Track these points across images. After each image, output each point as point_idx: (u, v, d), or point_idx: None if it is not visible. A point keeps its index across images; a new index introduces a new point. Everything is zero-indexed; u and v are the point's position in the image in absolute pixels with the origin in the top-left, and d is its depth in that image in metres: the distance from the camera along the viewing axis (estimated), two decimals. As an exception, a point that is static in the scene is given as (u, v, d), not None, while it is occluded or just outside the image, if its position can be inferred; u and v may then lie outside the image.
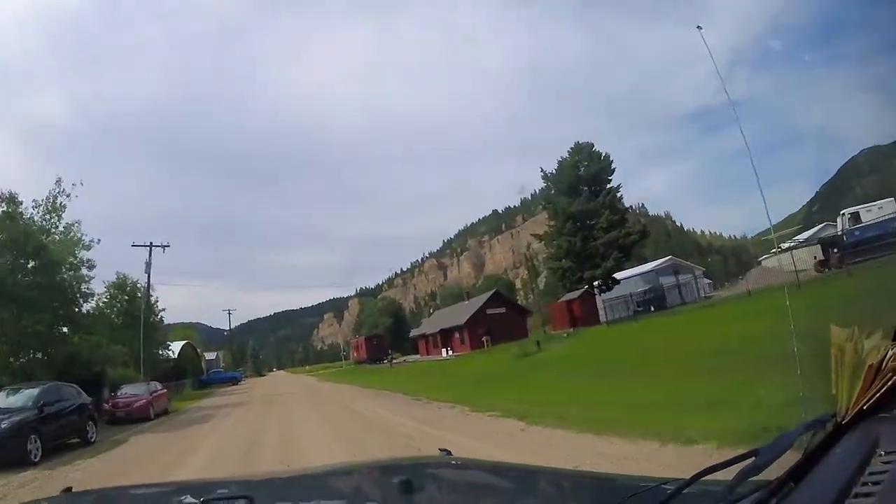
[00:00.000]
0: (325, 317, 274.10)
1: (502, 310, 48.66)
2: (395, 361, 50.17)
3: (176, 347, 50.89)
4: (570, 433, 8.33)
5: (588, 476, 2.09)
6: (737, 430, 5.83)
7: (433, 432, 10.11)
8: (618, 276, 42.45)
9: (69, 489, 2.03)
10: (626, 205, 46.66)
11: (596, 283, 42.35)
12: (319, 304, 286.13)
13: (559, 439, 8.12)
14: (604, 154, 43.41)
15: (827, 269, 26.80)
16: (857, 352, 1.06)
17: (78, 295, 22.39)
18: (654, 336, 20.84)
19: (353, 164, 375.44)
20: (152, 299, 42.86)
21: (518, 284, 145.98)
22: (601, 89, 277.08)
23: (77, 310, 22.52)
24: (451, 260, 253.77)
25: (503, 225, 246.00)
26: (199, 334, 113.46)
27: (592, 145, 43.96)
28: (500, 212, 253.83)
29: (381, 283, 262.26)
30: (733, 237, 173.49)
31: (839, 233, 28.93)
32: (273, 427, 13.70)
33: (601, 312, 39.35)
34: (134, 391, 20.86)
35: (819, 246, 37.89)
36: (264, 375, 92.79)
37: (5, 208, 19.82)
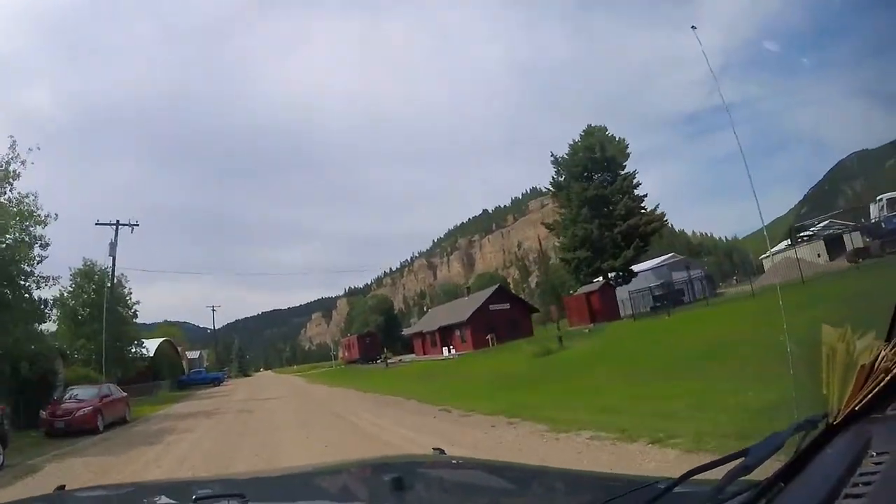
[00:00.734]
0: (314, 316, 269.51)
1: (506, 306, 44.77)
2: (389, 361, 45.98)
3: (152, 345, 46.39)
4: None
5: (578, 475, 2.00)
6: None
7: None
8: (634, 268, 38.97)
9: (62, 487, 2.02)
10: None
11: (611, 275, 38.85)
12: (308, 303, 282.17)
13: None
14: (619, 138, 39.82)
15: (860, 260, 24.99)
16: (849, 352, 1.04)
17: (18, 274, 18.14)
18: (695, 330, 17.43)
19: (344, 163, 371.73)
20: (125, 291, 38.53)
21: (510, 284, 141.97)
22: (594, 91, 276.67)
23: (18, 293, 18.32)
24: (441, 259, 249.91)
25: (494, 224, 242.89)
26: (185, 333, 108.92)
27: (606, 129, 40.42)
28: (490, 212, 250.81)
29: (370, 282, 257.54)
30: (724, 238, 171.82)
31: (876, 219, 27.73)
32: (243, 461, 9.03)
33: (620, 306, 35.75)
34: (83, 395, 16.67)
35: (823, 242, 36.10)
36: (250, 376, 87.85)
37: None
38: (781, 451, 0.98)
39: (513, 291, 59.69)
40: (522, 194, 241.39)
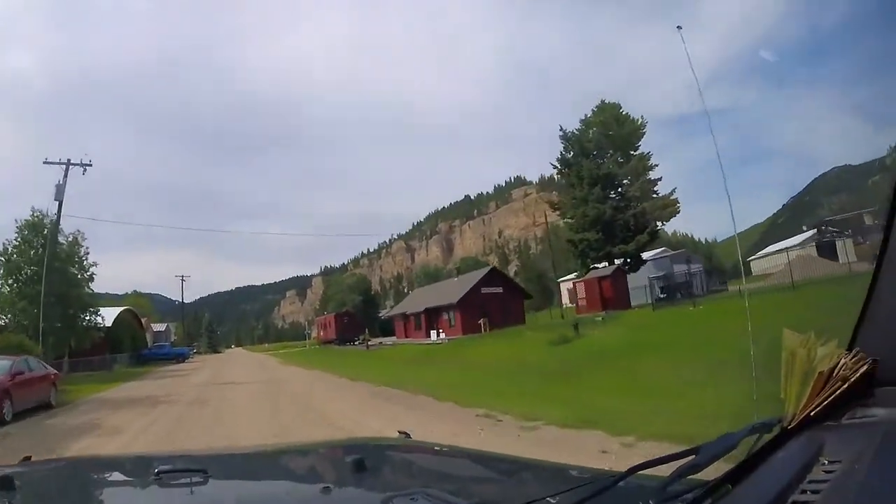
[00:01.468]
0: (288, 294, 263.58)
1: (499, 290, 41.14)
2: (370, 344, 42.15)
3: (110, 315, 41.75)
4: None
5: (534, 464, 1.87)
6: None
7: None
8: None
9: (28, 458, 2.03)
10: None
11: (617, 261, 35.67)
12: (282, 280, 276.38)
13: None
14: (635, 117, 36.41)
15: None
16: (809, 358, 1.03)
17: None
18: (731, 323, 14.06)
19: (328, 143, 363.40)
20: (80, 250, 33.77)
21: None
22: (582, 88, 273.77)
23: None
24: (420, 243, 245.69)
25: (475, 211, 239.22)
26: (156, 305, 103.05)
27: (619, 106, 36.94)
28: (472, 198, 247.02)
29: (346, 262, 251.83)
30: (704, 240, 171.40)
31: None
32: None
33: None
34: (-10, 372, 12.56)
35: (815, 248, 34.58)
36: (220, 352, 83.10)
37: None
38: (734, 452, 0.95)
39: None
40: (506, 182, 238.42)
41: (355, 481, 1.42)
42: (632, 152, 35.84)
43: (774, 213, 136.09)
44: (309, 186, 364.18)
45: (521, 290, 44.05)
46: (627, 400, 8.74)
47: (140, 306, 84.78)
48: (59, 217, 25.77)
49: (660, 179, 35.76)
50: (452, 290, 41.58)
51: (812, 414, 1.01)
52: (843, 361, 1.02)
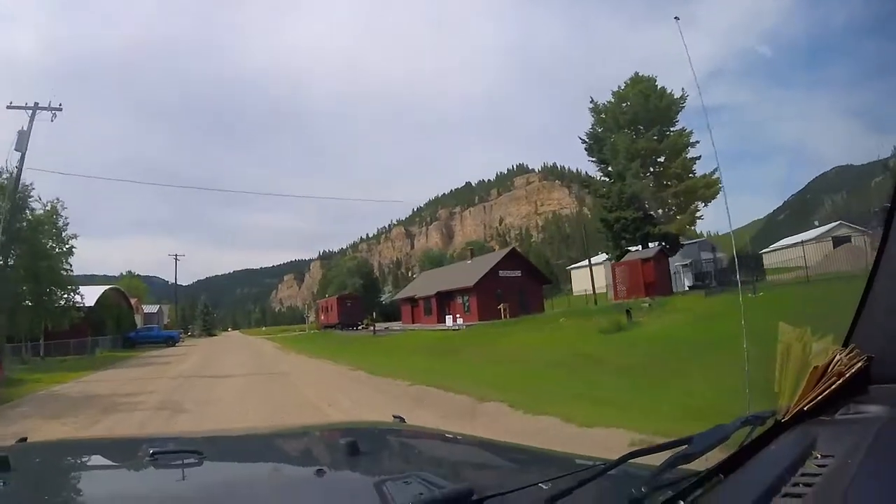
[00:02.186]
0: (286, 278, 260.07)
1: (517, 273, 37.49)
2: (377, 329, 38.50)
3: (93, 294, 37.96)
4: None
5: (527, 451, 1.84)
6: None
7: None
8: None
9: (24, 439, 2.01)
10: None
11: (652, 244, 32.09)
12: (280, 265, 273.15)
13: None
14: (674, 91, 32.62)
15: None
16: (804, 353, 1.04)
17: None
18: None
19: (329, 129, 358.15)
20: (59, 221, 29.88)
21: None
22: (583, 81, 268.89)
23: None
24: (420, 229, 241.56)
25: (476, 198, 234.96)
26: (152, 287, 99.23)
27: (655, 79, 33.19)
28: (473, 185, 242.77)
29: (345, 247, 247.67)
30: (704, 233, 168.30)
31: None
32: None
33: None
34: None
35: (832, 242, 31.34)
36: (215, 335, 79.43)
37: None
38: (727, 443, 0.95)
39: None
40: (508, 170, 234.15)
41: (349, 464, 1.41)
42: (670, 128, 32.23)
43: (774, 210, 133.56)
44: (309, 171, 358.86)
45: (541, 275, 40.31)
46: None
47: (134, 288, 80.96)
48: (20, 170, 21.70)
49: (698, 158, 32.09)
50: (468, 273, 37.88)
51: (806, 408, 1.01)
52: (838, 357, 1.01)
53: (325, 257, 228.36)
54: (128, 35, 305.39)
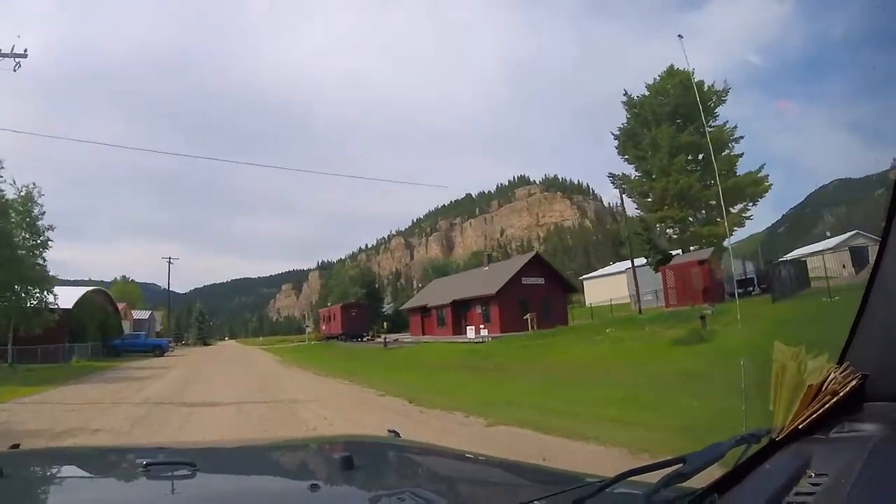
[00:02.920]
0: (283, 287, 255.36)
1: (541, 280, 33.81)
2: (388, 340, 34.55)
3: (72, 295, 34.03)
4: None
5: (521, 467, 1.83)
6: None
7: None
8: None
9: (17, 445, 1.99)
10: (605, 203, 34.26)
11: (693, 248, 28.63)
12: (278, 274, 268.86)
13: None
14: (715, 83, 29.42)
15: None
16: (799, 371, 1.03)
17: None
18: None
19: (329, 138, 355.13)
20: (35, 211, 26.14)
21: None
22: (582, 95, 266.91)
23: None
24: (420, 240, 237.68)
25: (477, 209, 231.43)
26: (150, 295, 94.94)
27: (693, 72, 30.03)
28: (473, 196, 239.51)
29: (343, 257, 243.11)
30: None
31: None
32: None
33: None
34: None
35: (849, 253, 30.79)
36: (210, 345, 75.18)
37: None
38: (722, 462, 0.94)
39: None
40: (509, 182, 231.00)
41: (344, 478, 1.38)
42: (711, 123, 28.94)
43: (774, 223, 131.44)
44: (308, 181, 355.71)
45: (566, 283, 36.55)
46: None
47: (128, 293, 77.09)
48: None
49: (741, 156, 28.75)
50: (487, 280, 34.13)
51: (801, 426, 0.99)
52: (832, 375, 1.00)
53: (324, 267, 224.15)
54: (131, 42, 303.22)
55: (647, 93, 30.62)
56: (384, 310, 71.29)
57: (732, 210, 28.21)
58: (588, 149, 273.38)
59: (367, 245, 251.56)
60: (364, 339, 44.63)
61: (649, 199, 27.97)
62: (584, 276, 61.72)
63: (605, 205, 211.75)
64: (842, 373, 1.01)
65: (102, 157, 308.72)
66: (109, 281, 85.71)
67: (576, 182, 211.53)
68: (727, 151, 28.16)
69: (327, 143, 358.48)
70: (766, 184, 28.35)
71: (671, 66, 30.58)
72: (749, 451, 1.00)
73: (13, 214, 24.65)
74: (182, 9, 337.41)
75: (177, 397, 11.37)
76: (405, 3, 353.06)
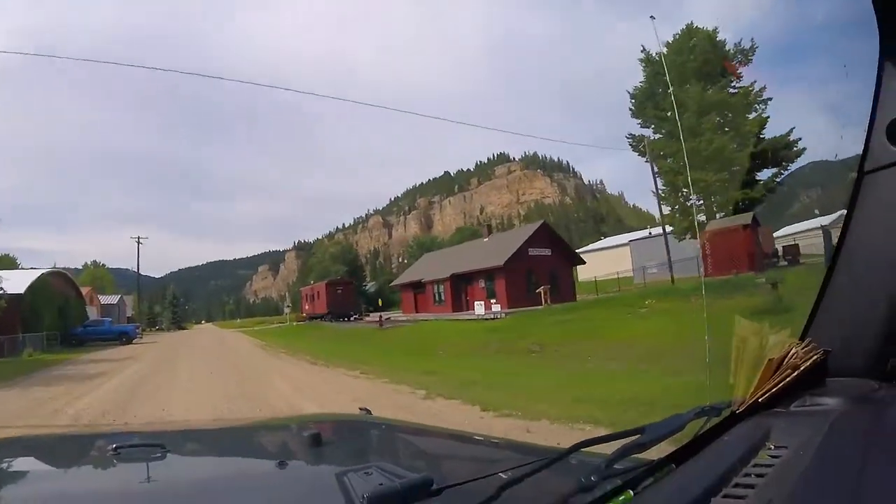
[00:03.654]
0: (260, 269, 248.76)
1: (548, 252, 30.80)
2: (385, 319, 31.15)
3: (22, 279, 29.80)
4: None
5: (487, 441, 1.84)
6: None
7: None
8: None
9: None
10: (585, 181, 31.46)
11: (719, 215, 25.88)
12: (254, 255, 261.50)
13: None
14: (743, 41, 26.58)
15: None
16: (761, 345, 1.03)
17: None
18: None
19: (305, 117, 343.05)
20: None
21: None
22: (562, 75, 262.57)
23: None
24: (398, 218, 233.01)
25: (456, 187, 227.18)
26: (124, 280, 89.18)
27: (716, 30, 27.19)
28: (452, 174, 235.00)
29: (321, 237, 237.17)
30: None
31: None
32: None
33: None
34: None
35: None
36: (185, 329, 70.82)
37: None
38: (681, 434, 0.94)
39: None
40: (488, 159, 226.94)
41: (311, 456, 1.39)
42: (737, 82, 26.09)
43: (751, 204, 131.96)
44: (283, 161, 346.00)
45: (574, 255, 33.57)
46: None
47: (98, 278, 71.99)
48: None
49: (768, 118, 25.99)
50: (490, 252, 30.92)
51: (761, 400, 1.00)
52: (794, 350, 1.01)
53: (301, 248, 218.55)
54: (97, 20, 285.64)
55: (662, 52, 27.62)
56: (367, 287, 68.03)
57: (759, 176, 25.69)
58: (568, 126, 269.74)
59: (344, 224, 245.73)
60: (352, 318, 41.24)
61: (674, 161, 24.96)
62: (582, 249, 59.19)
63: (585, 182, 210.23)
64: (804, 348, 1.01)
65: (74, 141, 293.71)
66: (81, 268, 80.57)
67: (556, 160, 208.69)
68: (757, 113, 25.34)
69: (303, 123, 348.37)
70: (800, 147, 25.66)
71: (690, 24, 27.61)
72: (709, 424, 0.98)
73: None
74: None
75: (122, 410, 7.81)
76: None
